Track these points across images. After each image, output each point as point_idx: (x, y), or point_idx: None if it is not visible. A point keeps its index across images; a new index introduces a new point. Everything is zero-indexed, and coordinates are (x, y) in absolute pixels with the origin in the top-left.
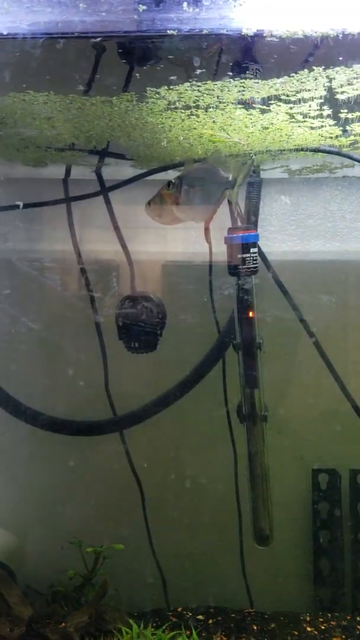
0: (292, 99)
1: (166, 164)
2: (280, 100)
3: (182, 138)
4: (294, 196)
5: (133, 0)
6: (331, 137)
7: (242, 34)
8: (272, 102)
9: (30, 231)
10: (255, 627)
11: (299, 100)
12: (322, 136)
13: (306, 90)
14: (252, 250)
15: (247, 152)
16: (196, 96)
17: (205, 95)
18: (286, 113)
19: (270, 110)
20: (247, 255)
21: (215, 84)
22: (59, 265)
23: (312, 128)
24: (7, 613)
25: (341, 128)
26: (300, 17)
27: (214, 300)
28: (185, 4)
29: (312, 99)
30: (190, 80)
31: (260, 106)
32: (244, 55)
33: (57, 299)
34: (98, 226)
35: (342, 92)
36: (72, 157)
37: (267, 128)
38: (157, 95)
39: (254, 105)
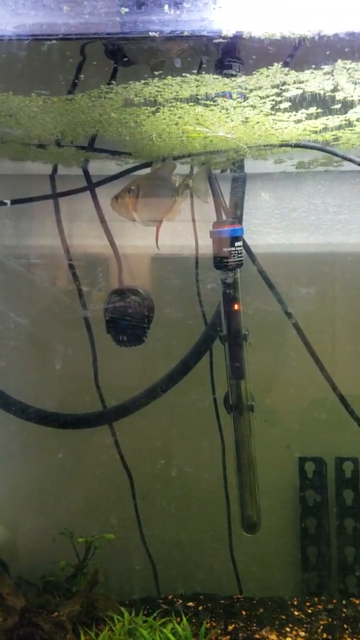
0: (253, 95)
1: (151, 160)
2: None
3: (155, 135)
4: (278, 190)
5: (115, 3)
6: (315, 132)
7: (222, 35)
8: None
9: (17, 227)
10: (244, 613)
11: (261, 96)
12: (306, 130)
13: (260, 88)
14: (237, 244)
15: (240, 147)
16: (156, 91)
17: (164, 91)
18: (252, 107)
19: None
20: (232, 248)
21: (174, 80)
22: (47, 261)
23: (296, 122)
24: (0, 603)
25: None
26: (279, 19)
27: (200, 293)
28: (166, 7)
29: (267, 96)
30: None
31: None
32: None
33: (45, 294)
34: (85, 221)
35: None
36: (61, 154)
37: (247, 122)
38: (112, 91)
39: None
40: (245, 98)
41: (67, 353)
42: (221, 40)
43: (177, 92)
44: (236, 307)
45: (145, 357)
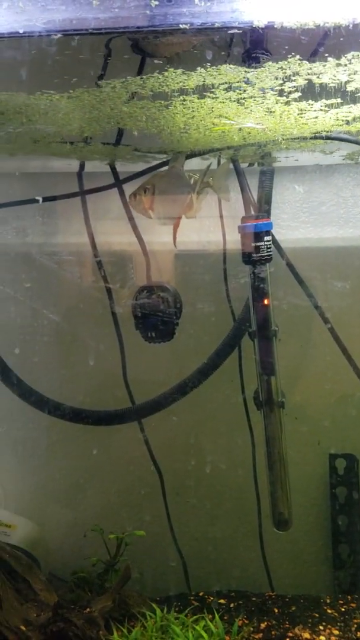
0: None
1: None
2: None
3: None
4: (306, 184)
5: None
6: (347, 122)
7: (254, 26)
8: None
9: (47, 225)
10: (276, 610)
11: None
12: (339, 120)
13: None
14: (265, 238)
15: (276, 138)
16: (160, 83)
17: (170, 82)
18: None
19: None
20: (261, 243)
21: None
22: (75, 258)
23: (325, 112)
24: (33, 599)
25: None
26: (311, 7)
27: (228, 288)
28: None
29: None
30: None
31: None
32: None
33: (74, 291)
34: (112, 218)
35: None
36: (86, 151)
37: (273, 112)
38: (117, 85)
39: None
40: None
41: (96, 349)
42: (250, 31)
43: (204, 83)
44: (266, 302)
45: (174, 354)
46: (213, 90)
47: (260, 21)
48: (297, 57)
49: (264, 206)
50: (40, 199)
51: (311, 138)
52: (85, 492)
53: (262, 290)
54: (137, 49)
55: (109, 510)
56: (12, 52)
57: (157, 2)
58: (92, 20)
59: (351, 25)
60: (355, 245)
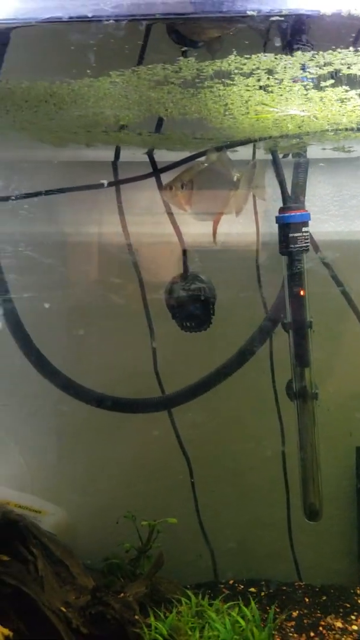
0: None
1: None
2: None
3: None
4: (337, 177)
5: None
6: None
7: (321, 13)
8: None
9: (79, 214)
10: (307, 600)
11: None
12: None
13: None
14: (303, 229)
15: (333, 127)
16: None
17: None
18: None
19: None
20: (299, 234)
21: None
22: (109, 248)
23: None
24: (71, 582)
25: None
26: None
27: (261, 279)
28: None
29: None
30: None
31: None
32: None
33: (108, 282)
34: (146, 207)
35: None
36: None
37: (323, 99)
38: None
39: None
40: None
41: (128, 340)
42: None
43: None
44: (302, 293)
45: (206, 344)
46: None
47: (327, 9)
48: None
49: (299, 198)
50: (106, 183)
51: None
52: (113, 480)
53: (299, 281)
54: (174, 33)
55: (137, 498)
56: (77, 36)
57: None
58: (160, 5)
59: None
60: None
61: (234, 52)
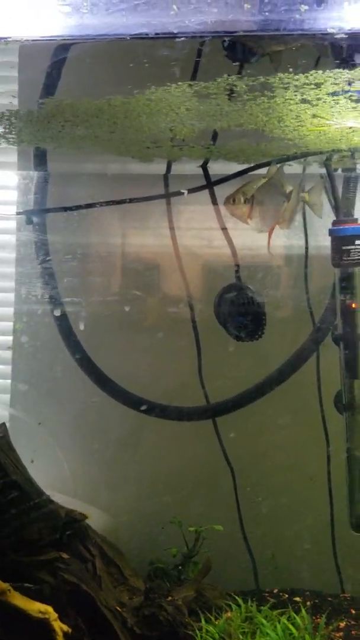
0: None
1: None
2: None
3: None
4: None
5: (295, 0)
6: None
7: None
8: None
9: (131, 227)
10: (353, 611)
11: None
12: None
13: None
14: (356, 242)
15: None
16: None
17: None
18: None
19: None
20: (352, 247)
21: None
22: (159, 261)
23: None
24: (124, 583)
25: None
26: None
27: (309, 292)
28: (345, 4)
29: None
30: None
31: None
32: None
33: (156, 292)
34: (198, 218)
35: None
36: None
37: None
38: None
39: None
40: None
41: (176, 349)
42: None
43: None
44: (354, 305)
45: (254, 355)
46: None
47: None
48: None
49: (350, 211)
50: (186, 192)
51: None
52: (157, 487)
53: (351, 293)
54: (229, 49)
55: (181, 505)
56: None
57: (306, 7)
58: (244, 22)
59: None
60: None
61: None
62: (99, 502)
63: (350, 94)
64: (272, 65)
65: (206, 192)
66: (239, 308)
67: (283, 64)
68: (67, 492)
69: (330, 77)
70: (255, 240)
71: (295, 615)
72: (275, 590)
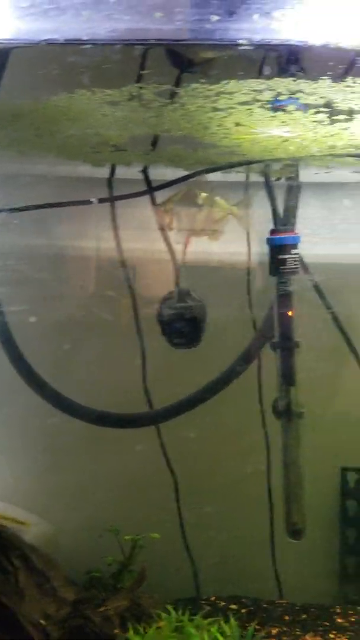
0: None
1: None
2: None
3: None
4: (329, 200)
5: (207, 10)
6: None
7: (309, 45)
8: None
9: (72, 229)
10: (287, 618)
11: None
12: None
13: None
14: (292, 251)
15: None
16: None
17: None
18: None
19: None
20: (288, 256)
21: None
22: (101, 263)
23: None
24: (53, 594)
25: None
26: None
27: (252, 299)
28: (256, 16)
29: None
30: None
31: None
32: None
33: (97, 296)
34: (140, 224)
35: None
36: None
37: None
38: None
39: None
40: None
41: (118, 355)
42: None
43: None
44: (290, 313)
45: (195, 361)
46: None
47: (316, 41)
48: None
49: (290, 220)
50: (95, 200)
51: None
52: (98, 494)
53: (287, 302)
54: (173, 55)
55: (121, 513)
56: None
57: (218, 17)
58: (154, 31)
59: None
60: None
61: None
62: (39, 509)
63: (262, 103)
64: (203, 73)
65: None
66: (176, 314)
67: (223, 71)
68: (9, 500)
69: (243, 86)
70: (201, 246)
71: (224, 624)
72: (213, 598)
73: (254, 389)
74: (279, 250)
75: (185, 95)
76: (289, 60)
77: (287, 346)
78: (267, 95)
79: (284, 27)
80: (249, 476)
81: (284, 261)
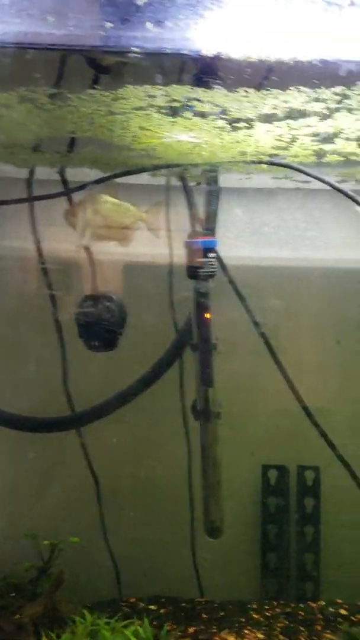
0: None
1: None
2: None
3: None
4: (251, 205)
5: (100, 17)
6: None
7: (202, 54)
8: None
9: None
10: (205, 616)
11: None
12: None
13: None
14: (210, 254)
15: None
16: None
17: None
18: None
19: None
20: (206, 259)
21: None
22: (20, 264)
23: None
24: None
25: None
26: (257, 43)
27: (173, 301)
28: (148, 24)
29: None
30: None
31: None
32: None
33: (17, 297)
34: (60, 226)
35: None
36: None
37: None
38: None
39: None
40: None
41: (38, 357)
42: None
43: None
44: (207, 316)
45: (117, 363)
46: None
47: (208, 51)
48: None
49: (210, 224)
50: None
51: (251, 162)
52: (20, 499)
53: (204, 304)
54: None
55: (44, 516)
56: None
57: (111, 25)
58: (46, 35)
59: (292, 62)
60: (293, 266)
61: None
62: None
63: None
64: (110, 77)
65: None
66: (93, 317)
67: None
68: None
69: (139, 92)
70: (123, 248)
71: (138, 626)
72: (133, 599)
73: (176, 390)
74: (196, 254)
75: (78, 99)
76: (202, 70)
77: (204, 348)
78: (161, 101)
79: (177, 36)
80: (171, 477)
81: (201, 264)
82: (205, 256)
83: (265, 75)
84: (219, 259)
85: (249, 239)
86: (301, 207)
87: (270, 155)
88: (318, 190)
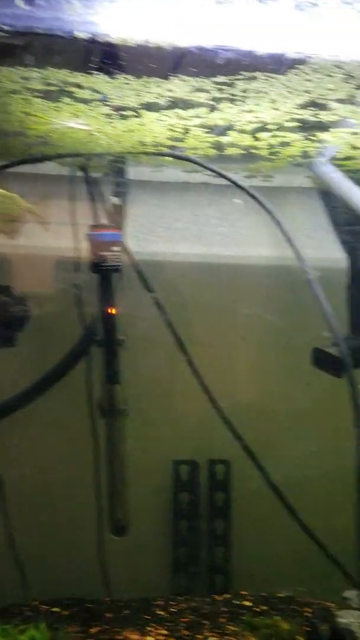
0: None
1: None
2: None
3: None
4: (164, 199)
5: None
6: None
7: (74, 36)
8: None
9: None
10: (109, 615)
11: None
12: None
13: None
14: (114, 248)
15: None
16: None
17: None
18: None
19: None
20: (109, 253)
21: None
22: None
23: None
24: None
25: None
26: (135, 27)
27: (79, 296)
28: (20, 2)
29: None
30: None
31: None
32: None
33: None
34: None
35: None
36: None
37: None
38: None
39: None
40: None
41: None
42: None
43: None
44: (112, 311)
45: (20, 361)
46: None
47: (81, 32)
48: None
49: (117, 217)
50: None
51: (150, 154)
52: None
53: (109, 299)
54: None
55: None
56: None
57: None
58: None
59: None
60: (206, 261)
61: None
62: None
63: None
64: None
65: None
66: None
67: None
68: None
69: (10, 73)
70: (25, 241)
71: (34, 630)
72: (36, 602)
73: (83, 387)
74: (100, 247)
75: None
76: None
77: (109, 344)
78: (37, 84)
79: (48, 15)
80: (77, 476)
81: (104, 258)
82: (109, 250)
83: (144, 62)
84: (129, 253)
85: (162, 234)
86: (212, 202)
87: (168, 147)
88: (229, 186)
